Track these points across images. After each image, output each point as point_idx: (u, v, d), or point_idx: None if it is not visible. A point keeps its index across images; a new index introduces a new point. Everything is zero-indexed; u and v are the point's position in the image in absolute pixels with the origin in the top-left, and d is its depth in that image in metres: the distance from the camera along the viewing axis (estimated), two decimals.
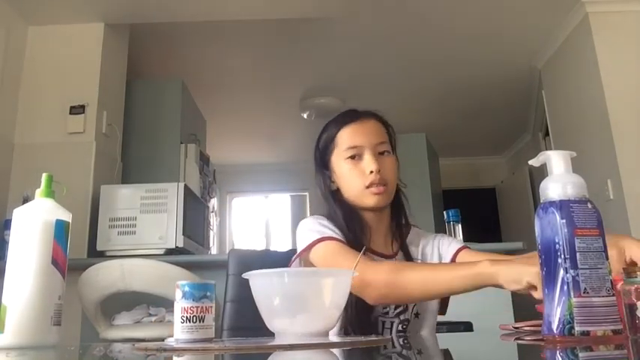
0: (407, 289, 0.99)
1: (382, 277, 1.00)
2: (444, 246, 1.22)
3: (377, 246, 1.18)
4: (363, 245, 1.08)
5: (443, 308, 1.22)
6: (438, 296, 1.08)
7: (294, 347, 0.71)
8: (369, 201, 1.14)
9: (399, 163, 1.22)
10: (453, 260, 1.18)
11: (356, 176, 1.13)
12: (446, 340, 0.94)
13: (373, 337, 0.84)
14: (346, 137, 1.16)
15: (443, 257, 1.21)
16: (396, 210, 1.22)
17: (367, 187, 1.13)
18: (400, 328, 1.15)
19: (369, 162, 1.13)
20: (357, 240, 1.11)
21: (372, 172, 1.12)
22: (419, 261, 1.21)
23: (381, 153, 1.16)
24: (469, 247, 1.21)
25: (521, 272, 0.83)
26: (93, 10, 3.26)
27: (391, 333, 1.14)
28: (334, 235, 1.10)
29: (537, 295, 0.79)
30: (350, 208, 1.16)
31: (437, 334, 1.17)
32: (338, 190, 1.19)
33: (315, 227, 1.13)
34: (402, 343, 0.89)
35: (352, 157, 1.14)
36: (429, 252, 1.24)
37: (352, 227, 1.13)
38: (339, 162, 1.16)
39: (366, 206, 1.15)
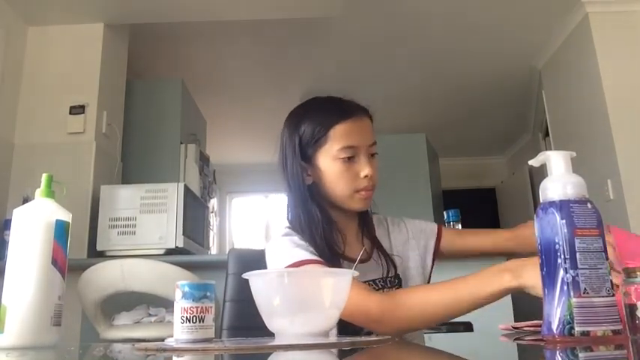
0: (433, 315, 0.92)
1: (401, 310, 0.92)
2: (419, 232, 1.20)
3: (351, 250, 1.11)
4: (339, 251, 1.06)
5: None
6: (461, 315, 0.98)
7: (294, 347, 0.71)
8: (355, 204, 1.09)
9: None
10: (438, 244, 1.17)
11: (348, 179, 1.07)
12: (446, 340, 0.94)
13: (373, 337, 0.84)
14: (341, 135, 1.06)
15: (426, 245, 1.19)
16: (367, 213, 1.17)
17: (357, 191, 1.07)
18: None
19: (364, 165, 1.07)
20: (331, 247, 1.06)
21: (366, 176, 1.06)
22: (396, 257, 1.15)
23: (372, 155, 1.10)
24: (442, 226, 1.22)
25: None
26: (93, 10, 3.26)
27: None
28: (313, 258, 1.01)
29: None
30: (324, 208, 1.09)
31: (437, 335, 1.17)
32: (312, 185, 1.10)
33: (289, 250, 1.03)
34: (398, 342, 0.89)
35: (347, 158, 1.06)
36: (401, 244, 1.19)
37: (328, 231, 1.07)
38: (327, 160, 1.07)
39: (349, 208, 1.10)
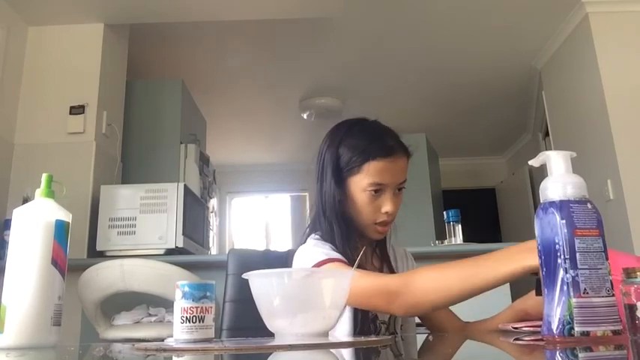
0: (450, 289, 0.93)
1: (417, 282, 0.95)
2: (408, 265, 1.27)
3: (363, 263, 1.18)
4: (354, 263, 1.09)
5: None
6: (478, 292, 0.97)
7: (294, 347, 0.71)
8: (372, 235, 1.15)
9: None
10: None
11: (370, 210, 1.12)
12: (446, 340, 0.94)
13: (373, 337, 0.84)
14: (374, 172, 1.10)
15: None
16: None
17: (375, 223, 1.13)
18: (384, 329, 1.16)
19: (387, 202, 1.11)
20: (348, 258, 1.11)
21: (387, 212, 1.12)
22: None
23: (399, 189, 1.15)
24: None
25: None
26: (93, 10, 3.26)
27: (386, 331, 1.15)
28: (342, 258, 1.09)
29: None
30: (348, 225, 1.15)
31: (436, 335, 1.17)
32: (340, 202, 1.15)
33: (320, 249, 1.11)
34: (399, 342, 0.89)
35: (374, 192, 1.11)
36: (400, 266, 1.27)
37: (347, 246, 1.12)
38: (357, 189, 1.12)
39: (368, 236, 1.16)
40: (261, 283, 0.84)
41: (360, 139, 1.14)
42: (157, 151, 3.61)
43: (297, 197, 6.72)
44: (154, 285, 2.15)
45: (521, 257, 0.85)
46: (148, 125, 3.67)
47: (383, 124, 1.20)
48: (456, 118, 5.32)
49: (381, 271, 1.19)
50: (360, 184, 1.11)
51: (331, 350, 0.73)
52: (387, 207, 1.11)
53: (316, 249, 1.10)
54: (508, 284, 2.56)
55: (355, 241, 1.16)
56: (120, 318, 2.29)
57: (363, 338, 0.82)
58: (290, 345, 0.71)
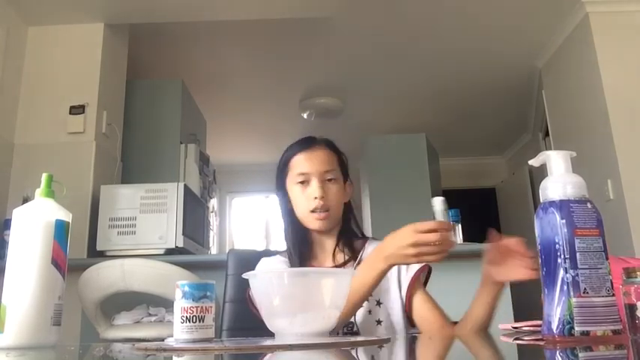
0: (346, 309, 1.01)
1: None
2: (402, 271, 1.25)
3: (322, 262, 1.28)
4: (307, 263, 1.25)
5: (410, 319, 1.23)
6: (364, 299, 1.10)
7: (293, 347, 0.71)
8: (312, 225, 1.25)
9: (352, 186, 1.34)
10: (409, 294, 1.21)
11: (303, 200, 1.25)
12: (445, 340, 0.94)
13: (374, 337, 0.84)
14: (297, 164, 1.27)
15: (402, 283, 1.22)
16: (344, 229, 1.30)
17: (312, 212, 1.23)
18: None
19: (314, 188, 1.23)
20: (302, 258, 1.25)
21: (315, 198, 1.22)
22: None
23: (329, 180, 1.26)
24: (420, 280, 1.23)
25: (398, 241, 0.97)
26: (93, 10, 3.26)
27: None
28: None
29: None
30: (300, 227, 1.28)
31: (437, 335, 1.17)
32: (284, 203, 1.31)
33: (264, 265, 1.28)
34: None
35: (301, 183, 1.25)
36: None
37: (298, 247, 1.26)
38: (291, 185, 1.28)
39: (310, 228, 1.27)
40: (262, 283, 0.84)
41: (289, 147, 1.32)
42: (157, 151, 3.61)
43: None
44: (154, 285, 2.15)
45: (376, 265, 1.02)
46: (148, 125, 3.67)
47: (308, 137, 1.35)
48: (456, 118, 5.32)
49: (343, 267, 1.25)
50: (292, 179, 1.27)
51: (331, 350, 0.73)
52: (314, 193, 1.22)
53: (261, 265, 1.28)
54: (508, 285, 2.56)
55: (308, 240, 1.28)
56: (120, 318, 2.29)
57: (362, 338, 0.82)
58: (290, 345, 0.71)
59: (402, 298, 1.21)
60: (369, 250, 1.26)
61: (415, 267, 1.21)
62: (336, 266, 1.26)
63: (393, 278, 1.22)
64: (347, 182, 1.33)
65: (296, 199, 1.27)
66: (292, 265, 1.25)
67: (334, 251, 1.28)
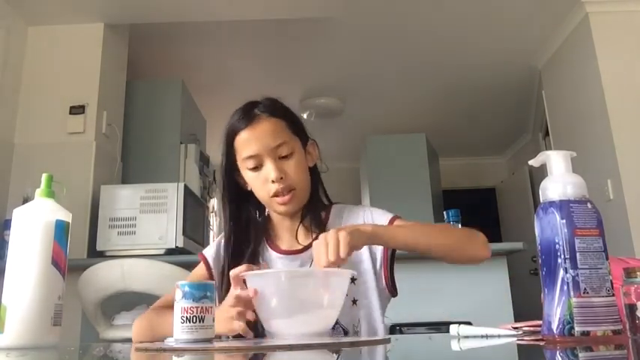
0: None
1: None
2: (377, 219, 1.14)
3: (283, 243, 1.15)
4: (258, 246, 1.12)
5: (393, 291, 1.14)
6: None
7: (293, 347, 0.71)
8: (278, 210, 1.10)
9: (315, 145, 1.16)
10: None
11: (260, 185, 1.08)
12: (445, 339, 0.94)
13: (373, 337, 0.84)
14: (242, 145, 1.07)
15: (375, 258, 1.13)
16: (311, 203, 1.14)
17: (273, 196, 1.07)
18: None
19: (269, 171, 1.06)
20: (251, 241, 1.13)
21: (273, 181, 1.06)
22: None
23: (284, 157, 1.07)
24: (400, 217, 1.13)
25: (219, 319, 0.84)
26: (92, 10, 3.26)
27: None
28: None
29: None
30: (259, 208, 1.16)
31: (436, 335, 1.17)
32: (229, 187, 1.14)
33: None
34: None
35: (254, 167, 1.07)
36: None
37: (250, 229, 1.13)
38: (243, 170, 1.10)
39: (277, 213, 1.13)
40: (259, 284, 0.84)
41: (229, 120, 1.12)
42: (157, 151, 3.61)
43: None
44: (153, 285, 2.15)
45: None
46: (148, 125, 3.67)
47: (257, 100, 1.15)
48: (456, 118, 5.32)
49: (302, 252, 1.12)
50: (241, 164, 1.09)
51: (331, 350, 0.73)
52: (271, 175, 1.05)
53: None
54: (508, 285, 2.57)
55: (266, 220, 1.17)
56: (120, 318, 2.29)
57: (362, 338, 0.82)
58: (290, 345, 0.71)
59: (376, 272, 1.12)
60: (333, 217, 1.17)
61: (388, 215, 1.13)
62: (304, 248, 1.11)
63: (365, 254, 1.12)
64: (308, 143, 1.15)
65: (252, 184, 1.10)
66: (227, 247, 1.12)
67: (296, 231, 1.13)
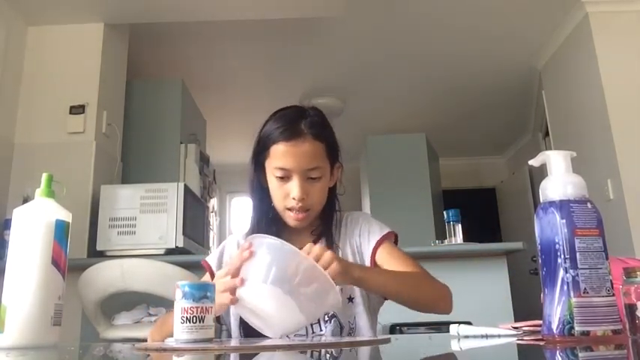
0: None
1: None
2: (364, 245, 1.17)
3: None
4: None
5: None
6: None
7: (293, 347, 0.71)
8: (288, 220, 1.13)
9: (341, 167, 1.19)
10: (373, 258, 1.14)
11: (280, 195, 1.11)
12: (445, 339, 0.94)
13: (373, 338, 0.84)
14: (277, 156, 1.10)
15: (363, 253, 1.16)
16: (323, 217, 1.18)
17: (288, 209, 1.11)
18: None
19: (294, 188, 1.09)
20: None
21: (294, 198, 1.09)
22: (339, 252, 1.15)
23: (312, 178, 1.11)
24: (394, 233, 1.17)
25: None
26: (93, 10, 3.26)
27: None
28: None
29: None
30: (272, 207, 1.16)
31: (436, 335, 1.17)
32: (255, 183, 1.18)
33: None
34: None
35: (280, 177, 1.10)
36: (356, 243, 1.18)
37: (265, 226, 1.14)
38: (269, 172, 1.13)
39: (287, 223, 1.14)
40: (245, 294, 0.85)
41: (273, 123, 1.14)
42: (157, 151, 3.61)
43: None
44: (153, 285, 2.15)
45: None
46: (148, 125, 3.67)
47: (306, 108, 1.18)
48: (456, 118, 5.32)
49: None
50: (269, 168, 1.12)
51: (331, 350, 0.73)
52: (293, 192, 1.09)
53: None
54: (508, 284, 2.57)
55: (281, 221, 1.15)
56: (120, 318, 2.29)
57: (362, 338, 0.82)
58: (290, 345, 0.71)
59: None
60: (336, 225, 1.19)
61: (377, 236, 1.15)
62: None
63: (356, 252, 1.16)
64: (335, 165, 1.18)
65: (273, 190, 1.13)
66: None
67: (310, 238, 1.15)
